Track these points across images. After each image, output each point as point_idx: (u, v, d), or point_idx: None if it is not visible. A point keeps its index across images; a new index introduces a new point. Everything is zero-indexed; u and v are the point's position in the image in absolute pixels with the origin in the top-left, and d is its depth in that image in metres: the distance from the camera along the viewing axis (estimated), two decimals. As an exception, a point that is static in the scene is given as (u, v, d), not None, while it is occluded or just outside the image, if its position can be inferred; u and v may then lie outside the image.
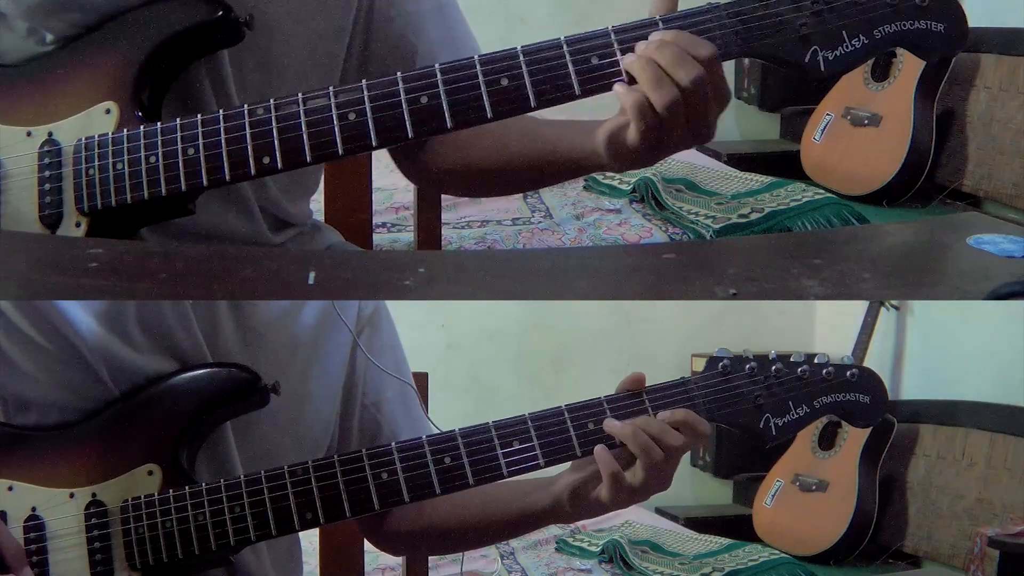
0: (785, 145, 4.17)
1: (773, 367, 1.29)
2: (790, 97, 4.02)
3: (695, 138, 1.23)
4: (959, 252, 1.20)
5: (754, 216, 3.46)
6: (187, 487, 1.29)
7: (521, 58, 1.23)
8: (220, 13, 1.28)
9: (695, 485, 4.23)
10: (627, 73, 1.22)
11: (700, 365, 4.32)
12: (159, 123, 1.26)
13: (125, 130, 1.26)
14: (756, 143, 4.22)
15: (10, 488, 1.29)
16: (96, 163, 1.26)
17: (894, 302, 3.74)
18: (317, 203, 1.62)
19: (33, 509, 1.29)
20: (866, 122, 3.78)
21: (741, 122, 4.25)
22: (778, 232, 3.37)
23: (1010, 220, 3.13)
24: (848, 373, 1.30)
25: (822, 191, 3.67)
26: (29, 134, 1.28)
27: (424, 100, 1.23)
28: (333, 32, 1.38)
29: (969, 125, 3.66)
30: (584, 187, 3.56)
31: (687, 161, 3.75)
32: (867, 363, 3.70)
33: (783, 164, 3.94)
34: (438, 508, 1.43)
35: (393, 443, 1.29)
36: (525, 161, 1.41)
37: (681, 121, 1.21)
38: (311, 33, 1.36)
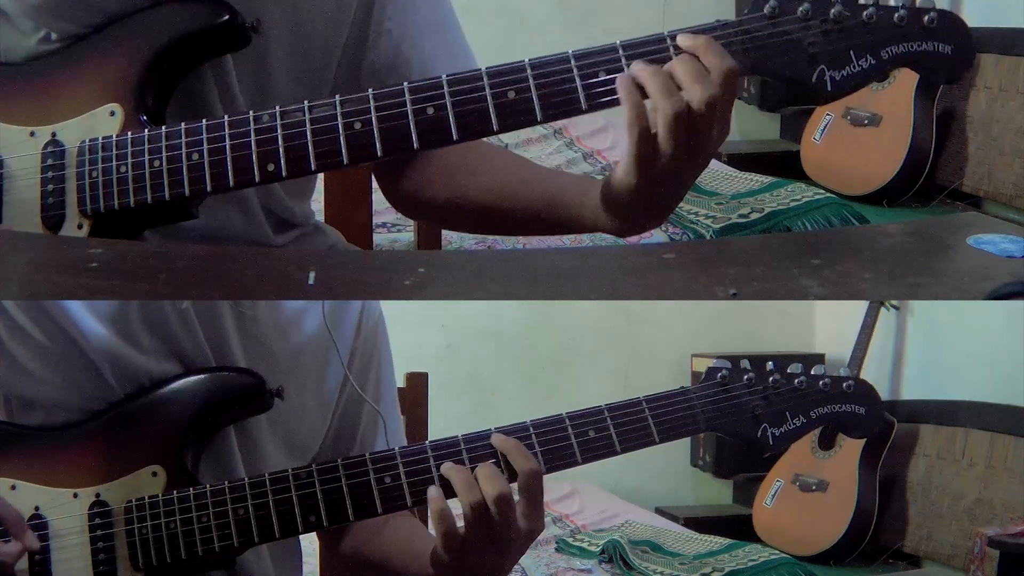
0: (785, 145, 4.17)
1: (771, 378, 1.31)
2: (790, 97, 4.02)
3: (692, 164, 1.20)
4: (959, 252, 1.20)
5: (754, 216, 3.46)
6: (191, 488, 1.29)
7: (528, 71, 1.21)
8: (226, 17, 1.27)
9: (695, 485, 4.23)
10: (634, 84, 1.19)
11: (700, 365, 4.32)
12: (164, 127, 1.25)
13: (130, 133, 1.25)
14: (756, 143, 4.22)
15: (13, 487, 1.29)
16: (100, 165, 1.25)
17: (894, 302, 3.74)
18: (317, 203, 1.62)
19: (36, 508, 1.29)
20: (866, 122, 3.79)
21: (741, 122, 4.25)
22: (778, 232, 3.37)
23: (1010, 220, 3.13)
24: (844, 385, 1.31)
25: (822, 191, 3.67)
26: (32, 134, 1.27)
27: (430, 111, 1.22)
28: (328, 42, 1.37)
29: (969, 125, 3.66)
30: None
31: (687, 161, 3.74)
32: (867, 363, 3.72)
33: (783, 164, 3.94)
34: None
35: (397, 448, 1.29)
36: (515, 203, 1.39)
37: (682, 138, 1.18)
38: (306, 42, 1.35)
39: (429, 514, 1.26)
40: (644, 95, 1.19)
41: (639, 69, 1.19)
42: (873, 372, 3.81)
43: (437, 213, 1.48)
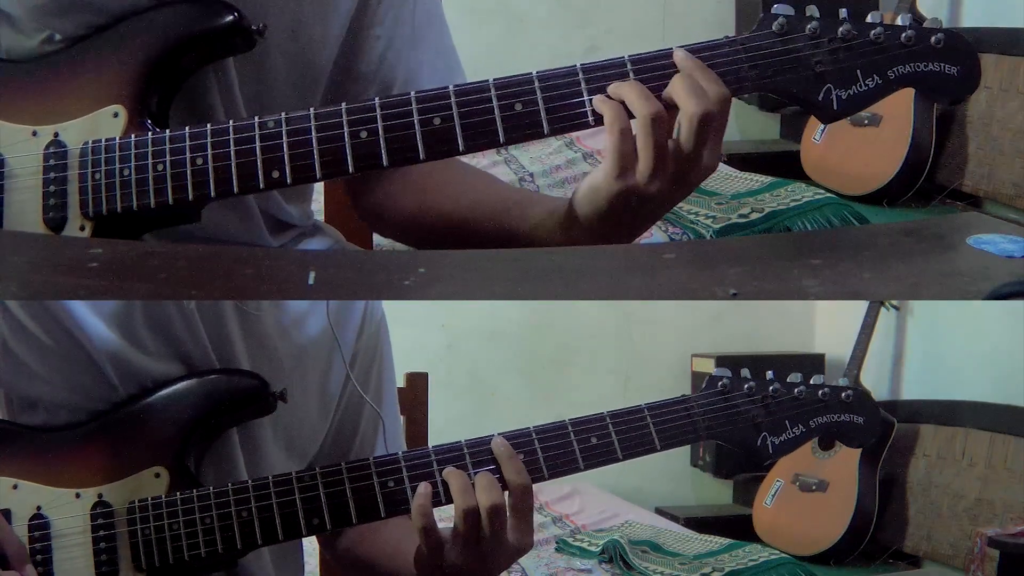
0: (785, 145, 4.17)
1: (771, 387, 1.32)
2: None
3: (672, 188, 1.20)
4: (959, 252, 1.20)
5: (754, 216, 3.46)
6: (195, 490, 1.29)
7: (536, 83, 1.21)
8: (231, 18, 1.26)
9: (695, 485, 4.23)
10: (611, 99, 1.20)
11: (700, 365, 4.29)
12: (167, 130, 1.24)
13: (133, 136, 1.24)
14: (756, 143, 4.22)
15: (15, 486, 1.29)
16: (103, 168, 1.25)
17: (894, 302, 3.75)
18: (317, 203, 1.62)
19: (38, 508, 1.29)
20: (866, 122, 3.79)
21: (741, 122, 4.25)
22: (778, 232, 3.37)
23: (1010, 220, 3.13)
24: (843, 395, 1.33)
25: (822, 191, 3.67)
26: (34, 133, 1.27)
27: (437, 122, 1.21)
28: (324, 48, 1.37)
29: (969, 125, 3.66)
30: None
31: (687, 161, 3.74)
32: (867, 363, 3.72)
33: (783, 164, 3.94)
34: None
35: (400, 452, 1.29)
36: (487, 216, 1.38)
37: (663, 148, 1.18)
38: (304, 48, 1.35)
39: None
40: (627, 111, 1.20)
41: (615, 85, 1.20)
42: (873, 372, 3.81)
43: (404, 226, 1.46)
